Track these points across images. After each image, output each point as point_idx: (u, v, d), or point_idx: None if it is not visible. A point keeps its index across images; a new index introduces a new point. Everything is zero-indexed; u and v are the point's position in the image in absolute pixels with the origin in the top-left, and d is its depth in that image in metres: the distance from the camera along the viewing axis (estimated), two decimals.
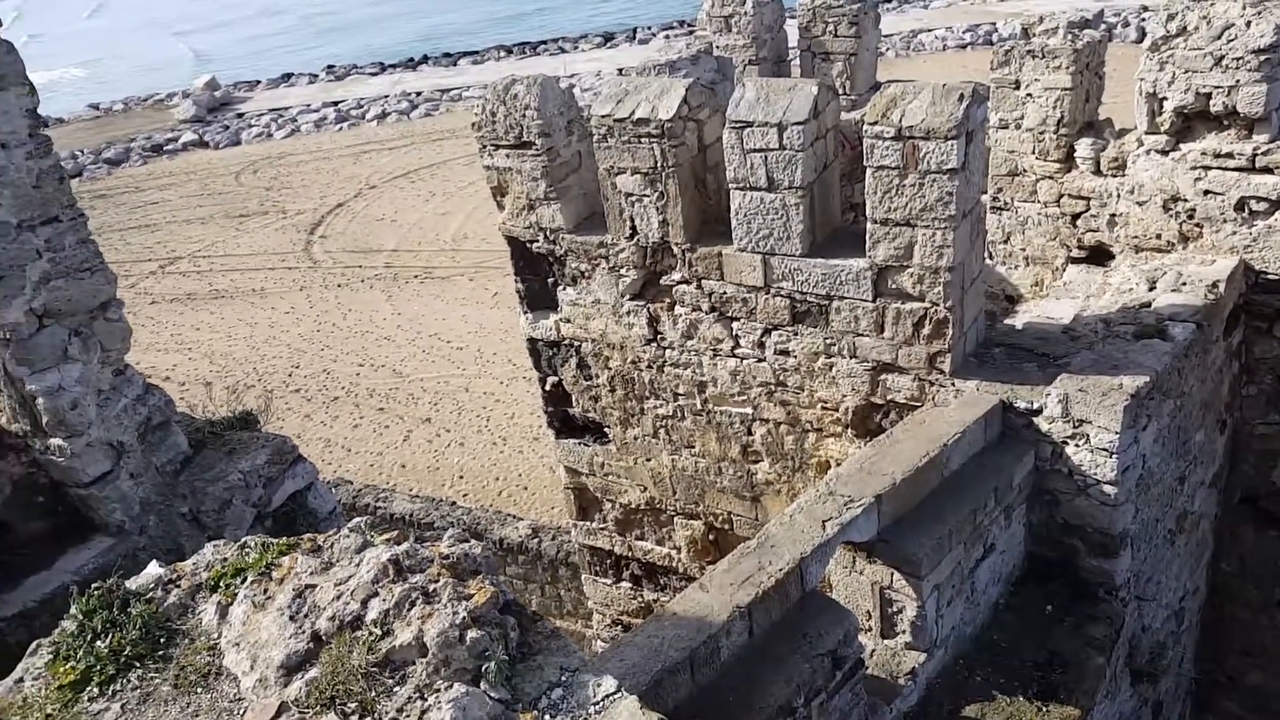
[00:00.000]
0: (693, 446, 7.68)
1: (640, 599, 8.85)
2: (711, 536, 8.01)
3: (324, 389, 21.07)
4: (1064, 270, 7.70)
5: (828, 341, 6.29)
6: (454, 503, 14.88)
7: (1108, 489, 5.34)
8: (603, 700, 2.34)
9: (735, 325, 6.73)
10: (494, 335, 21.91)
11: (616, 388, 7.77)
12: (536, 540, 13.00)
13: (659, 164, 6.42)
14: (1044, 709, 5.16)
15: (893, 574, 5.14)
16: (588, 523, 9.07)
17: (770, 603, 4.48)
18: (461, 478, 18.06)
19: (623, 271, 7.04)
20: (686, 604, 4.40)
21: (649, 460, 8.04)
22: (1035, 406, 5.49)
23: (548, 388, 8.22)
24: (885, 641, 5.36)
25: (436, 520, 14.00)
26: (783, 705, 4.19)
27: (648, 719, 2.25)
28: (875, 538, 5.07)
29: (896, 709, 5.08)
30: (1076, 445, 5.36)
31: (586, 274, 7.32)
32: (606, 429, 8.15)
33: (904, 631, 5.25)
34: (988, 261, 7.63)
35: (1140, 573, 6.04)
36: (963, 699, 5.27)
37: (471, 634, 2.38)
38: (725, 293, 6.60)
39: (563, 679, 2.40)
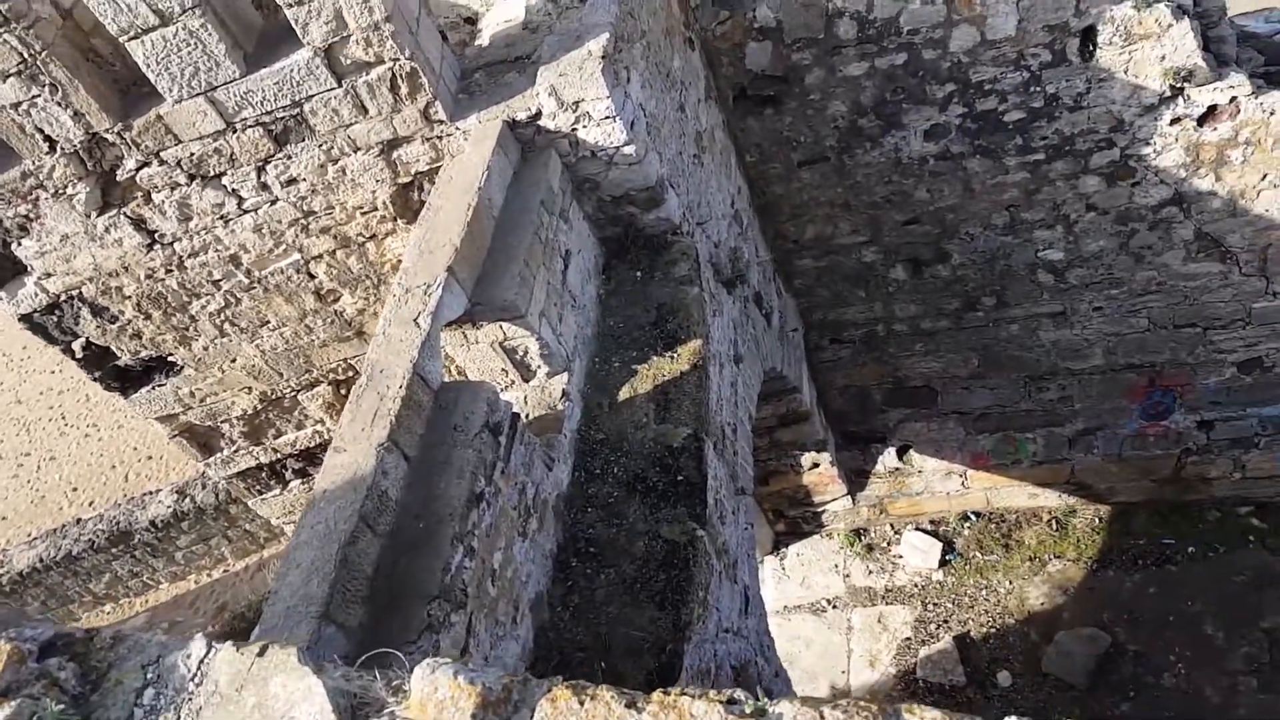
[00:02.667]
0: (269, 322, 7.10)
1: None
2: (342, 391, 7.68)
3: None
4: None
5: (324, 148, 5.84)
6: (79, 519, 13.06)
7: (627, 150, 5.65)
8: (198, 669, 2.15)
9: (226, 180, 6.03)
10: (7, 329, 18.42)
11: (150, 311, 6.85)
12: (188, 500, 11.88)
13: (26, 55, 5.26)
14: (674, 354, 5.71)
15: (501, 327, 5.22)
16: (219, 455, 8.33)
17: (408, 421, 4.39)
18: (75, 489, 15.78)
19: (70, 191, 5.95)
20: (332, 474, 4.20)
21: (234, 360, 7.36)
22: (534, 110, 5.55)
23: (80, 353, 7.07)
24: (530, 384, 5.55)
25: (74, 549, 12.31)
26: (468, 497, 4.25)
27: (244, 655, 2.10)
28: (469, 306, 5.06)
29: (567, 429, 5.38)
30: (584, 125, 5.55)
31: (34, 215, 6.11)
32: (170, 358, 7.27)
33: (539, 367, 5.46)
34: None
35: (690, 203, 6.64)
36: (613, 388, 5.68)
37: (5, 712, 2.04)
38: (192, 153, 5.82)
39: (149, 676, 2.17)
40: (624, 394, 5.71)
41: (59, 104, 5.45)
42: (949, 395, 10.33)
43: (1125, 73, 7.15)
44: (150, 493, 12.97)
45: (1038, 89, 7.37)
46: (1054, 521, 11.11)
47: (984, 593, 10.79)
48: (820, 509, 11.48)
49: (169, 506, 12.20)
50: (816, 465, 10.66)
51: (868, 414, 10.81)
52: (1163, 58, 7.05)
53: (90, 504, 15.26)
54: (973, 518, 11.40)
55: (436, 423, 4.56)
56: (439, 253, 4.98)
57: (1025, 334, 9.44)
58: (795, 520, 11.67)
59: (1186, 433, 10.11)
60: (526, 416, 5.53)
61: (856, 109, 7.77)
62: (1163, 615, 10.14)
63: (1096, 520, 10.97)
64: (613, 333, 6.11)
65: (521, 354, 5.41)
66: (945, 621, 10.67)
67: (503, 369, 5.52)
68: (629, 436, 5.52)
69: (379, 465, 4.17)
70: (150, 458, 15.61)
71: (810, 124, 7.92)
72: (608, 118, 5.50)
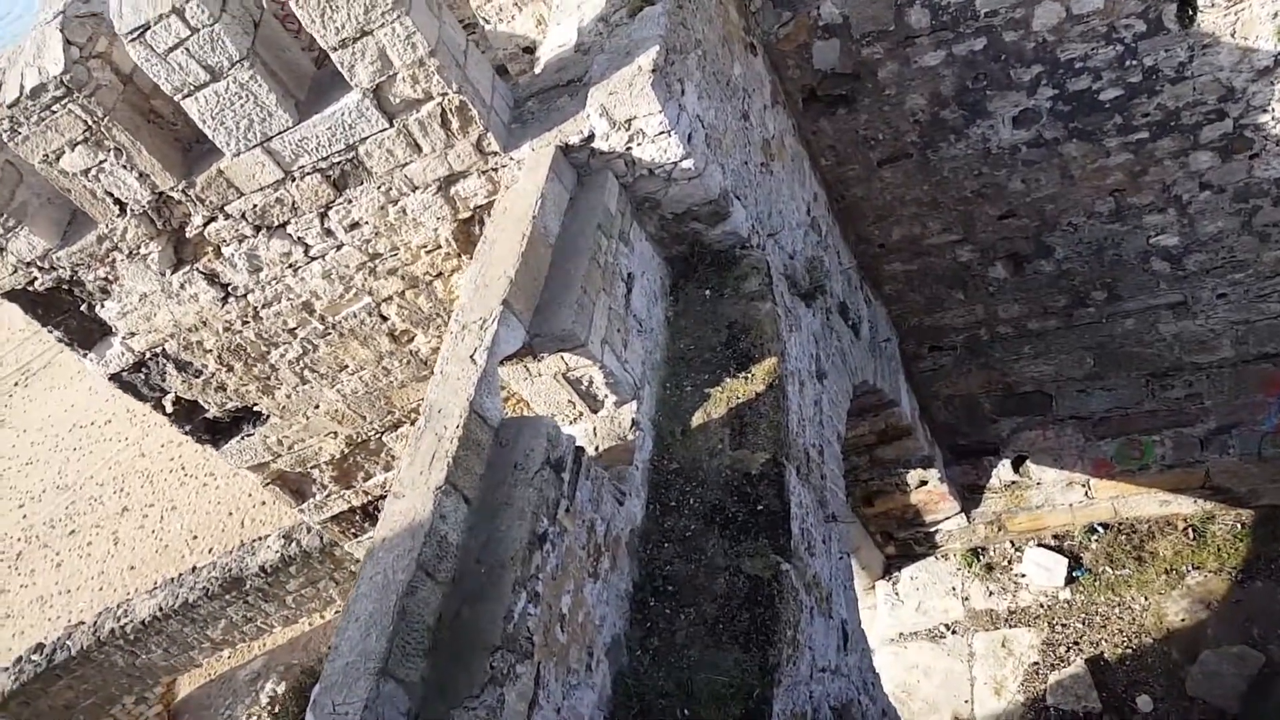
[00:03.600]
0: (347, 366, 7.11)
1: None
2: None
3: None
4: None
5: (383, 189, 5.80)
6: (195, 568, 13.49)
7: (685, 165, 5.40)
8: None
9: (291, 229, 6.05)
10: None
11: (232, 363, 6.94)
12: (294, 544, 12.11)
13: (90, 123, 5.39)
14: (748, 374, 5.39)
15: (563, 357, 5.02)
16: (311, 500, 8.40)
17: (466, 462, 4.21)
18: (195, 537, 16.39)
19: (143, 251, 6.07)
20: (390, 521, 4.05)
21: (317, 406, 7.39)
22: (586, 133, 5.36)
23: (170, 409, 7.23)
24: (598, 415, 5.33)
25: (190, 597, 12.73)
26: (529, 539, 4.04)
27: None
28: (527, 339, 4.88)
29: (638, 460, 5.12)
30: (638, 144, 5.32)
31: (112, 277, 6.27)
32: (255, 407, 7.36)
33: (605, 396, 5.23)
34: (484, 24, 7.27)
35: (759, 214, 6.33)
36: (685, 414, 5.40)
37: None
38: (255, 205, 5.86)
39: None
40: (697, 420, 5.42)
41: (124, 167, 5.55)
42: (1064, 400, 9.62)
43: (1232, 35, 6.50)
44: (259, 539, 13.31)
45: (1134, 62, 6.78)
46: (1190, 530, 10.19)
47: (1117, 610, 9.95)
48: (933, 529, 10.85)
49: (277, 552, 12.46)
50: (925, 483, 10.08)
51: (977, 425, 10.18)
52: (1275, 15, 6.39)
53: (209, 550, 15.81)
54: (1100, 530, 10.58)
55: (497, 462, 4.37)
56: (494, 286, 4.82)
57: (1143, 328, 8.71)
58: (906, 542, 11.06)
59: None
60: (596, 449, 5.31)
61: (936, 100, 7.32)
62: None
63: (1238, 526, 10.01)
64: (683, 356, 5.83)
65: (586, 384, 5.19)
66: (1076, 643, 9.88)
67: (569, 401, 5.32)
68: (704, 465, 5.22)
69: (437, 509, 4.00)
70: (264, 503, 16.09)
71: (888, 120, 7.51)
72: (662, 133, 5.26)
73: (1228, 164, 7.27)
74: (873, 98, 7.43)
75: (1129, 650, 9.68)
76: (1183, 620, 9.66)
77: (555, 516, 4.29)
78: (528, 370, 5.14)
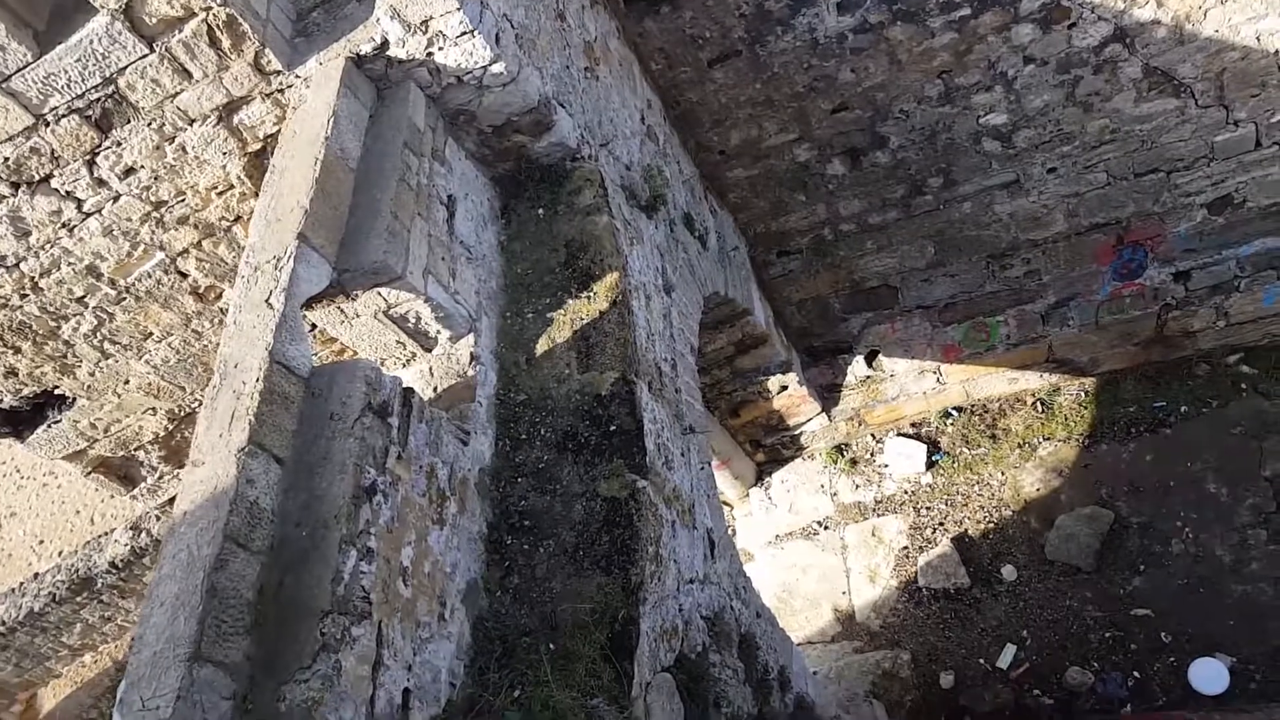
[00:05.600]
0: (151, 334, 6.40)
1: None
2: None
3: None
4: None
5: (155, 126, 5.10)
6: (36, 574, 12.38)
7: (496, 69, 4.95)
8: None
9: (56, 183, 5.29)
10: None
11: (18, 344, 6.14)
12: (144, 534, 11.22)
13: None
14: (590, 293, 5.08)
15: (380, 294, 4.56)
16: (143, 484, 7.68)
17: (273, 418, 3.75)
18: (41, 542, 15.06)
19: None
20: (190, 493, 3.57)
21: (127, 382, 6.67)
22: (379, 40, 4.82)
23: None
24: (433, 353, 4.92)
25: (35, 606, 11.72)
26: (354, 492, 3.64)
27: None
28: (334, 275, 4.39)
29: (481, 396, 4.77)
30: (440, 48, 4.83)
31: None
32: (57, 390, 6.58)
33: (438, 332, 4.82)
34: None
35: (588, 123, 5.95)
36: (529, 342, 5.06)
37: None
38: (7, 158, 5.08)
39: None
40: (542, 346, 5.09)
41: None
42: (909, 290, 9.76)
43: None
44: (105, 534, 12.30)
45: None
46: (1039, 403, 10.64)
47: (976, 488, 10.34)
48: (797, 431, 10.96)
49: (125, 545, 11.54)
50: (785, 388, 10.11)
51: (829, 325, 10.24)
52: None
53: (59, 553, 14.60)
54: (954, 413, 10.92)
55: (311, 415, 3.92)
56: (287, 219, 4.29)
57: (979, 211, 8.85)
58: (774, 447, 11.15)
59: (1163, 287, 9.60)
60: (435, 389, 4.91)
61: None
62: (1164, 481, 9.73)
63: (1083, 395, 10.51)
64: (522, 281, 5.45)
65: (414, 321, 4.76)
66: (941, 524, 10.24)
67: (397, 341, 4.87)
68: (552, 392, 4.91)
69: (242, 473, 3.54)
70: (113, 496, 14.91)
71: (713, 16, 7.20)
72: (464, 34, 4.78)
73: (1048, 35, 7.32)
74: None
75: (991, 524, 10.09)
76: (1038, 490, 10.11)
77: (385, 465, 3.90)
78: (342, 312, 4.66)
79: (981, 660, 9.37)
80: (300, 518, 3.65)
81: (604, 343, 4.95)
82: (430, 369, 4.96)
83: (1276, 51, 7.35)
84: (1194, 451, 9.76)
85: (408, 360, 5.03)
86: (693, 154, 8.15)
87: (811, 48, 7.36)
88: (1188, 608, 9.03)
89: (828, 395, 10.84)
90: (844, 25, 7.20)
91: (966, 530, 10.14)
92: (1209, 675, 8.55)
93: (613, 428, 4.64)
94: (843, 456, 11.12)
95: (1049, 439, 10.37)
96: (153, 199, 5.47)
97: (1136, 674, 8.90)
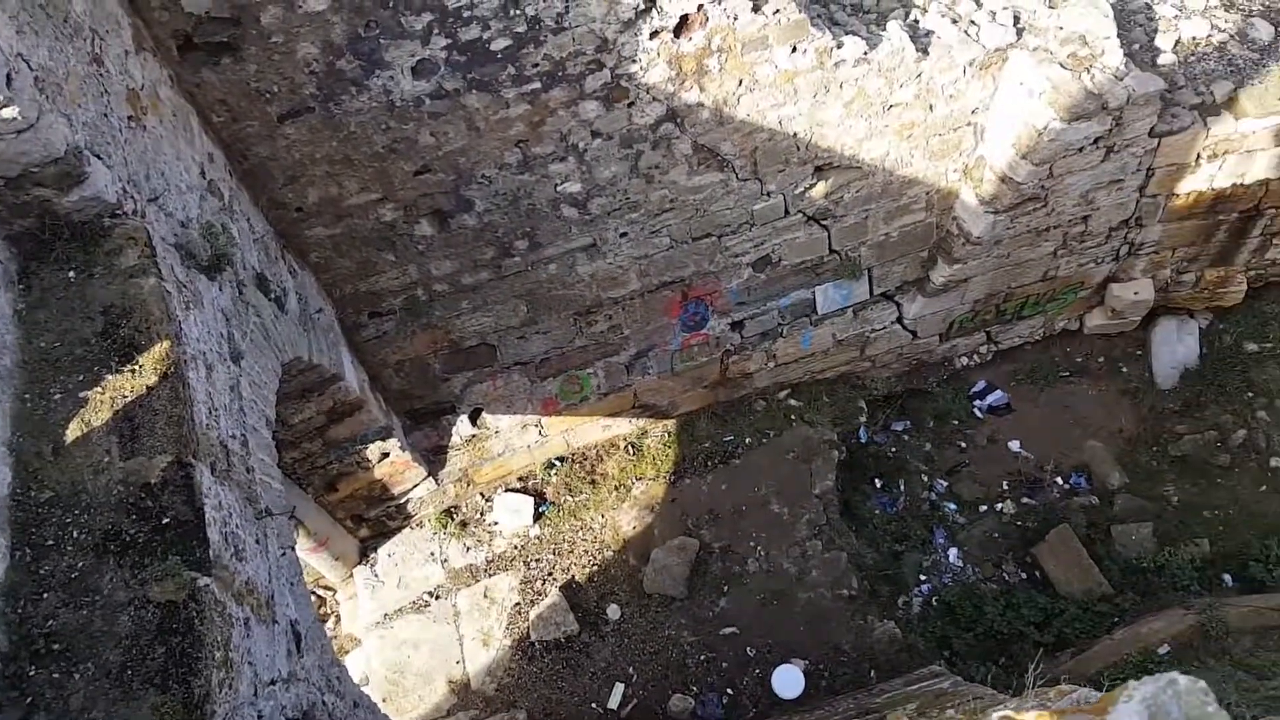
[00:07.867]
0: None
1: None
2: None
3: None
4: None
5: None
6: None
7: (7, 113, 4.20)
8: None
9: None
10: None
11: None
12: None
13: None
14: (133, 368, 4.47)
15: None
16: None
17: None
18: None
19: None
20: None
21: None
22: None
23: None
24: None
25: None
26: None
27: None
28: None
29: None
30: None
31: None
32: None
33: None
34: None
35: (132, 176, 5.30)
36: (56, 428, 4.31)
37: None
38: None
39: None
40: (73, 432, 4.35)
41: None
42: (507, 348, 9.97)
43: None
44: None
45: (517, 12, 6.99)
46: (630, 446, 11.40)
47: (581, 534, 10.77)
48: (403, 500, 10.63)
49: None
50: (387, 455, 9.76)
51: (431, 386, 10.11)
52: None
53: None
54: (557, 464, 11.32)
55: None
56: None
57: (564, 271, 9.31)
58: (379, 520, 10.70)
59: (723, 336, 10.81)
60: None
61: (330, 49, 6.82)
62: (737, 506, 10.87)
63: (666, 435, 11.45)
64: (47, 356, 4.65)
65: None
66: (550, 574, 10.49)
67: None
68: (88, 485, 4.21)
69: None
70: None
71: (280, 71, 6.83)
72: None
73: (611, 112, 7.94)
74: (260, 46, 6.68)
75: (595, 567, 10.54)
76: (634, 528, 10.78)
77: None
78: None
79: (594, 704, 9.68)
80: None
81: (153, 422, 4.37)
82: None
83: (795, 134, 8.66)
84: (759, 478, 11.04)
85: None
86: (266, 211, 7.63)
87: (389, 109, 7.27)
88: (765, 621, 10.11)
89: (434, 458, 10.67)
90: (420, 90, 7.22)
91: (574, 576, 10.48)
92: (788, 681, 9.60)
93: (165, 520, 4.09)
94: (452, 520, 10.98)
95: (640, 478, 11.12)
96: None
97: (730, 690, 9.74)
